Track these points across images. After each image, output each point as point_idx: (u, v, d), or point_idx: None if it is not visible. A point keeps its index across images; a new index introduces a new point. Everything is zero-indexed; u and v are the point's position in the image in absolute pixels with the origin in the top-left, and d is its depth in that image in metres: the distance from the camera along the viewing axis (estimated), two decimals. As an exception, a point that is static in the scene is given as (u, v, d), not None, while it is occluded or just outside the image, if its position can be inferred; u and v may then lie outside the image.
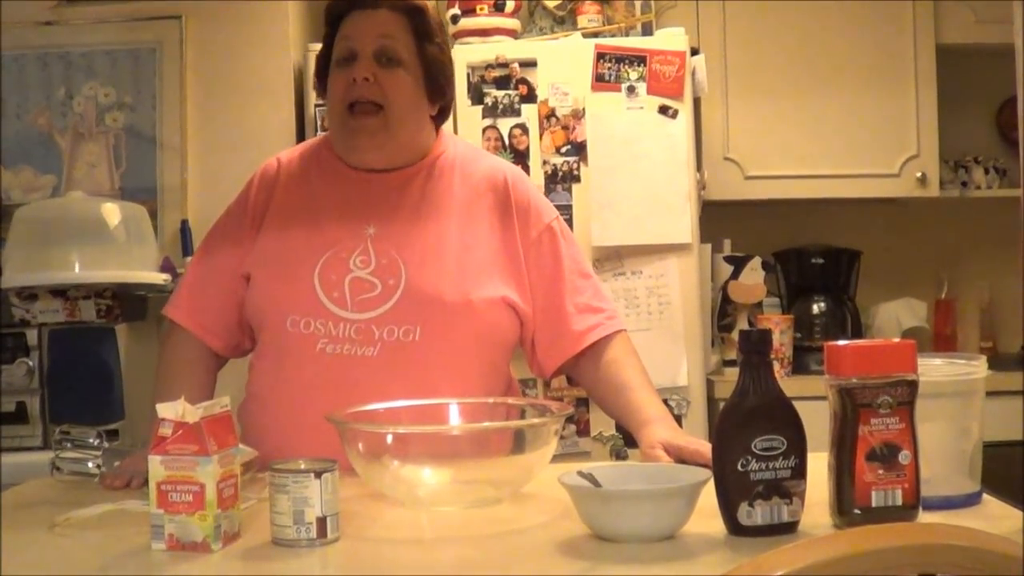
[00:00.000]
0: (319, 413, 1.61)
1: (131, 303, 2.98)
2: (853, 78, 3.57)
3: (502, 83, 3.11)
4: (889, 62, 3.57)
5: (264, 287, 1.89)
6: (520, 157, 3.08)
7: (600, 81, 3.11)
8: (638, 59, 3.11)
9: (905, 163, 3.58)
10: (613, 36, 3.25)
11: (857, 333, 3.59)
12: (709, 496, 1.35)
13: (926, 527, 0.91)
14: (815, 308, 3.64)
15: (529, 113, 3.11)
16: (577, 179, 3.10)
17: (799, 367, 3.42)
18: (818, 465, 1.37)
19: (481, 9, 3.23)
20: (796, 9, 3.57)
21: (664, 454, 1.70)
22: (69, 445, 1.78)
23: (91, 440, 1.78)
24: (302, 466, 1.35)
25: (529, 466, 1.57)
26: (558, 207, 2.06)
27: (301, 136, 3.20)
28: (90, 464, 1.76)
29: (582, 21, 3.32)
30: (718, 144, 3.57)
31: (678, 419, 2.93)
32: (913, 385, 1.34)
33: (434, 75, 1.92)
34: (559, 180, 3.09)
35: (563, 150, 3.10)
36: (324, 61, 1.95)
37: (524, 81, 3.11)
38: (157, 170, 3.25)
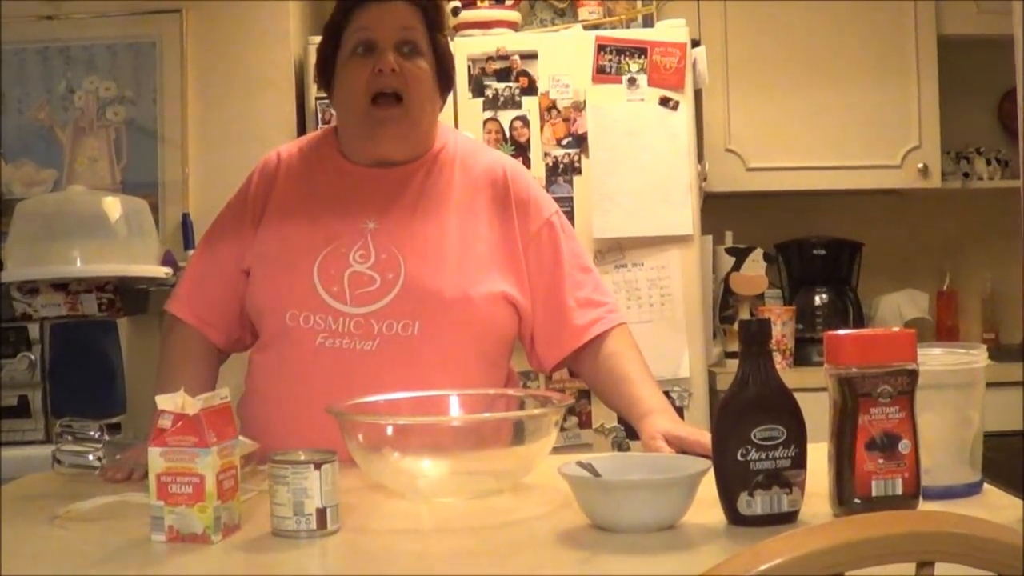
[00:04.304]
0: (318, 406, 1.60)
1: (133, 297, 2.98)
2: (855, 69, 3.56)
3: (503, 75, 3.11)
4: (891, 53, 3.56)
5: (264, 281, 1.89)
6: (521, 149, 3.07)
7: (601, 73, 3.11)
8: (639, 51, 3.11)
9: (907, 154, 3.57)
10: (614, 28, 3.25)
11: (859, 324, 3.58)
12: (709, 486, 1.35)
13: (923, 515, 0.91)
14: (817, 300, 3.64)
15: (530, 105, 3.10)
16: (578, 171, 3.10)
17: (801, 359, 3.42)
18: (818, 455, 1.37)
19: (482, 1, 3.23)
20: (797, 0, 3.56)
21: (665, 444, 1.70)
22: (70, 438, 1.78)
23: (92, 433, 1.78)
24: (302, 457, 1.35)
25: (529, 457, 1.57)
26: (559, 199, 2.06)
27: (302, 130, 3.19)
28: (91, 457, 1.76)
29: (583, 13, 3.32)
30: (719, 136, 3.56)
31: (680, 411, 2.93)
32: (913, 374, 1.34)
33: (445, 66, 1.94)
34: (560, 172, 3.09)
35: (564, 142, 3.10)
36: (326, 54, 1.94)
37: (525, 73, 3.10)
38: (158, 164, 3.25)
